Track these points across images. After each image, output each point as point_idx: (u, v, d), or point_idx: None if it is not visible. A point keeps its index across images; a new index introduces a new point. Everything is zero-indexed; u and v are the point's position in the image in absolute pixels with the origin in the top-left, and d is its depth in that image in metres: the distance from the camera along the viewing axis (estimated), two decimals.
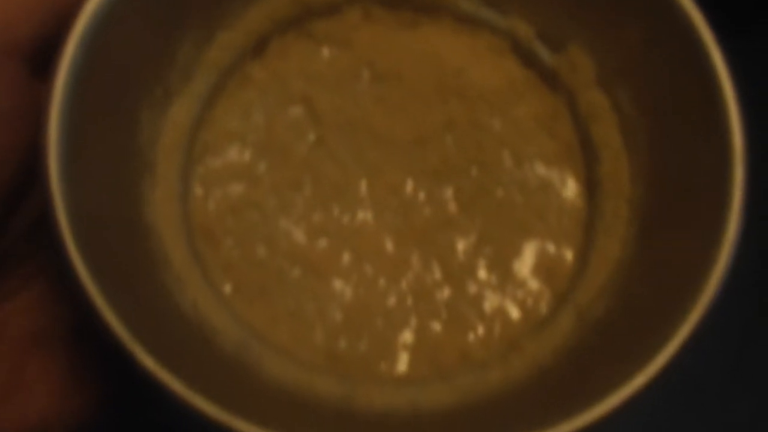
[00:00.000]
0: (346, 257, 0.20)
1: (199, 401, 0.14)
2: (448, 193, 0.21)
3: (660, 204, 0.18)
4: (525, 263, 0.20)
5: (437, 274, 0.20)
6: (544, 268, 0.20)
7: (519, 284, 0.20)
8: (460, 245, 0.20)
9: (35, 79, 0.17)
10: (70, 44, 0.16)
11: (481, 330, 0.20)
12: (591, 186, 0.21)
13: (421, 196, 0.21)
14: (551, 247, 0.20)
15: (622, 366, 0.15)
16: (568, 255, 0.20)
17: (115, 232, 0.17)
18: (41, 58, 0.17)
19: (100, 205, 0.17)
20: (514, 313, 0.20)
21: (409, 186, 0.21)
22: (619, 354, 0.16)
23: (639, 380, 0.14)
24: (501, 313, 0.20)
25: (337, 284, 0.20)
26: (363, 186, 0.21)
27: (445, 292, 0.20)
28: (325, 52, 0.22)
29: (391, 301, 0.20)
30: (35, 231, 0.18)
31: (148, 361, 0.14)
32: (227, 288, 0.20)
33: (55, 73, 0.16)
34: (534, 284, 0.20)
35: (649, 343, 0.15)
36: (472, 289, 0.20)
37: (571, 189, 0.21)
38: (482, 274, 0.20)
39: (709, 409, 0.22)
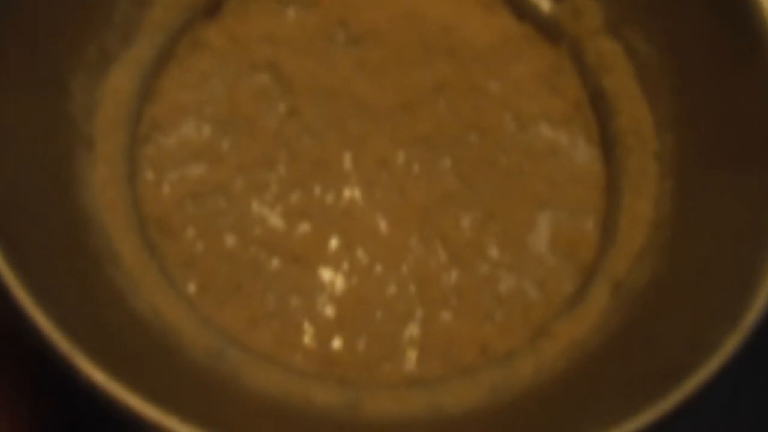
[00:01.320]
0: (333, 243, 0.17)
1: (167, 419, 0.10)
2: (446, 163, 0.18)
3: (697, 152, 0.16)
4: (540, 237, 0.18)
5: (442, 256, 0.17)
6: (563, 240, 0.18)
7: (536, 261, 0.17)
8: (465, 222, 0.18)
9: None
10: None
11: (499, 316, 0.17)
12: (608, 145, 0.18)
13: (416, 168, 0.18)
14: (568, 218, 0.18)
15: (692, 335, 0.12)
16: (589, 224, 0.18)
17: (45, 218, 0.13)
18: None
19: (24, 186, 0.13)
20: (535, 293, 0.17)
21: (400, 157, 0.18)
22: (683, 323, 0.13)
23: (727, 346, 0.11)
24: (520, 295, 0.17)
25: (326, 274, 0.17)
26: (347, 160, 0.18)
27: (453, 276, 0.17)
28: (291, 12, 0.19)
29: (391, 290, 0.17)
30: None
31: (94, 373, 0.10)
32: (191, 287, 0.16)
33: None
34: (553, 260, 0.17)
35: (725, 304, 0.12)
36: (484, 270, 0.17)
37: (583, 150, 0.18)
38: (493, 253, 0.17)
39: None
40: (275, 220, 0.17)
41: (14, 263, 0.11)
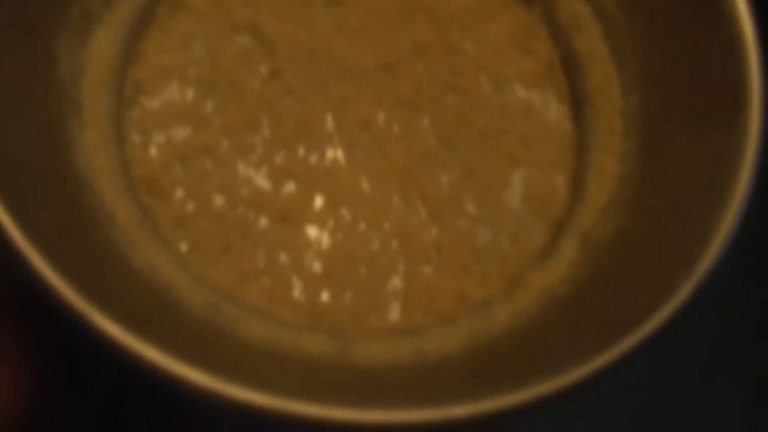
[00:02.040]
0: (318, 201, 0.18)
1: (181, 369, 0.11)
2: (425, 123, 0.19)
3: (661, 111, 0.17)
4: (514, 194, 0.18)
5: (422, 213, 0.18)
6: (535, 197, 0.18)
7: (510, 216, 0.18)
8: (444, 180, 0.18)
9: None
10: None
11: (476, 269, 0.18)
12: (578, 105, 0.19)
13: (396, 128, 0.19)
14: (540, 175, 0.19)
15: (652, 283, 0.14)
16: (559, 181, 0.19)
17: (44, 182, 0.14)
18: None
19: (22, 149, 0.13)
20: (509, 246, 0.18)
21: (381, 118, 0.19)
22: (645, 271, 0.15)
23: (683, 291, 0.13)
24: (495, 248, 0.18)
25: (312, 232, 0.17)
26: (329, 121, 0.18)
27: (433, 232, 0.18)
28: None
29: (375, 246, 0.17)
30: None
31: (111, 327, 0.11)
32: (183, 246, 0.17)
33: None
34: (526, 215, 0.18)
35: (683, 253, 0.14)
36: (462, 225, 0.18)
37: (555, 110, 0.19)
38: (470, 209, 0.18)
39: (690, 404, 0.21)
40: (261, 181, 0.18)
41: (21, 224, 0.12)
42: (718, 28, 0.16)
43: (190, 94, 0.18)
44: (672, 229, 0.15)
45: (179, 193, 0.17)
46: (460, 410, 0.12)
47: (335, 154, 0.18)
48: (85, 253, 0.13)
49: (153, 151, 0.17)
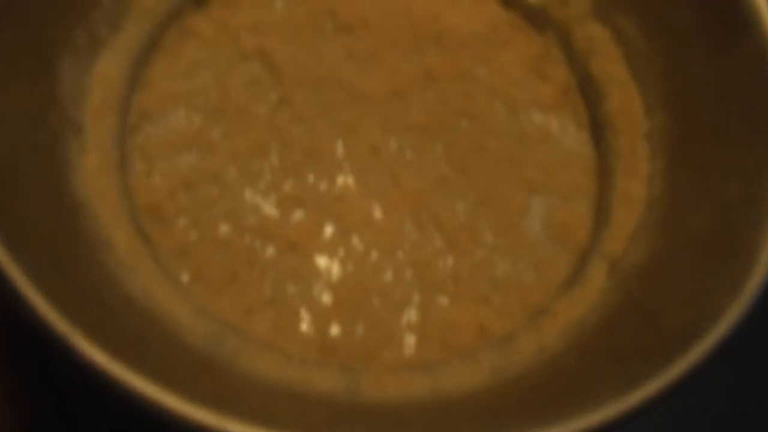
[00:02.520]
0: (328, 230, 0.17)
1: (173, 400, 0.10)
2: (438, 150, 0.18)
3: (687, 130, 0.16)
4: (534, 222, 0.18)
5: (437, 241, 0.17)
6: (557, 224, 0.18)
7: (531, 245, 0.17)
8: (459, 207, 0.18)
9: None
10: None
11: (496, 300, 0.17)
12: (597, 128, 0.18)
13: (408, 155, 0.18)
14: (561, 202, 0.18)
15: (694, 307, 0.12)
16: (582, 207, 0.18)
17: (37, 203, 0.13)
18: None
19: (16, 169, 0.13)
20: (531, 276, 0.17)
21: (392, 144, 0.18)
22: (683, 295, 0.14)
23: (730, 314, 0.12)
24: (516, 278, 0.17)
25: (321, 261, 0.17)
26: (339, 148, 0.18)
27: (449, 261, 0.17)
28: (279, 1, 0.19)
29: (387, 276, 0.17)
30: None
31: (96, 353, 0.10)
32: (185, 276, 0.16)
33: None
34: (548, 243, 0.17)
35: (726, 274, 0.12)
36: (479, 255, 0.17)
37: (573, 135, 0.19)
38: (488, 237, 0.17)
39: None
40: (269, 209, 0.17)
41: (9, 244, 0.11)
42: (743, 42, 0.15)
43: (197, 121, 0.18)
44: (710, 250, 0.14)
45: (183, 221, 0.16)
46: None
47: (345, 180, 0.18)
48: (75, 276, 0.13)
49: (157, 179, 0.17)
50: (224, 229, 0.17)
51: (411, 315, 0.16)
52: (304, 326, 0.16)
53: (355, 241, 0.17)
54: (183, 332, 0.14)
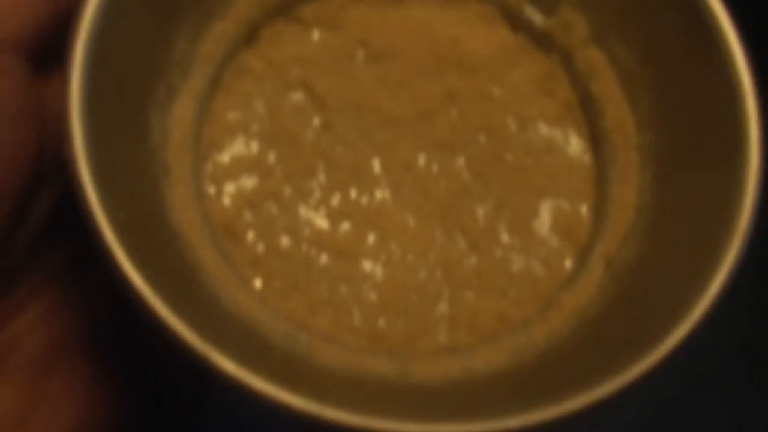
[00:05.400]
0: (371, 238, 0.20)
1: (285, 396, 0.14)
2: (461, 162, 0.21)
3: (672, 147, 0.19)
4: (543, 223, 0.21)
5: (462, 244, 0.20)
6: (562, 225, 0.21)
7: (541, 243, 0.20)
8: (480, 213, 0.21)
9: (36, 76, 0.16)
10: (80, 42, 0.15)
11: (512, 292, 0.20)
12: (596, 141, 0.21)
13: (435, 168, 0.21)
14: (566, 205, 0.21)
15: (669, 304, 0.16)
16: (583, 209, 0.21)
17: (153, 241, 0.16)
18: (39, 54, 0.16)
19: (133, 210, 0.16)
20: (541, 271, 0.20)
21: (422, 160, 0.21)
22: (662, 293, 0.17)
23: (697, 311, 0.15)
24: (528, 272, 0.20)
25: (367, 265, 0.20)
26: (376, 165, 0.21)
27: (473, 260, 0.20)
28: (316, 35, 0.22)
29: (422, 275, 0.20)
30: (40, 241, 0.17)
31: (227, 364, 0.14)
32: (257, 283, 0.19)
33: (69, 76, 0.15)
34: (555, 241, 0.21)
35: (695, 278, 0.16)
36: (498, 253, 0.20)
37: (576, 146, 0.21)
38: (505, 238, 0.20)
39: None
40: (320, 221, 0.20)
41: (147, 278, 0.14)
42: (719, 77, 0.18)
43: (254, 147, 0.20)
44: (684, 256, 0.17)
45: (251, 236, 0.20)
46: (513, 421, 0.14)
47: (383, 194, 0.20)
48: (192, 297, 0.16)
49: (226, 200, 0.20)
50: (285, 241, 0.20)
51: (443, 307, 0.20)
52: (357, 320, 0.19)
53: (394, 246, 0.20)
54: (267, 333, 0.17)
